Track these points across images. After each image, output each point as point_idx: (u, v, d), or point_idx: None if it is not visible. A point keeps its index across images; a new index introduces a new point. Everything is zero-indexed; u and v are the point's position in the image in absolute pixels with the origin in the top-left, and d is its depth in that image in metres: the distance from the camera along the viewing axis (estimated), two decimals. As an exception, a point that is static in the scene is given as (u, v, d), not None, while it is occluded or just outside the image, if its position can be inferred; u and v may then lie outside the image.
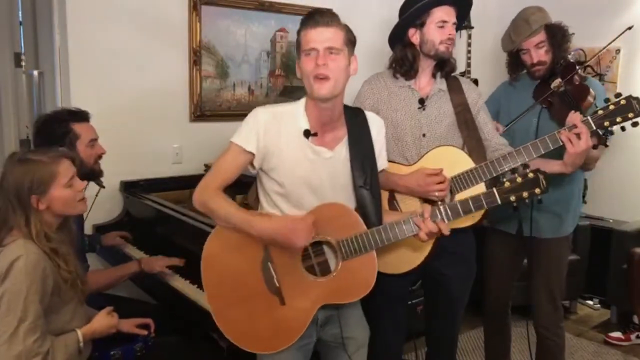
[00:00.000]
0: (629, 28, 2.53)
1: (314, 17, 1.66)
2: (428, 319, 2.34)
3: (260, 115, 1.71)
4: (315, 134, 1.71)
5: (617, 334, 3.50)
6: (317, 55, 1.64)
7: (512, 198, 1.71)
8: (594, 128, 1.93)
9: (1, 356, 1.59)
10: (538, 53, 2.33)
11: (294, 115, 1.73)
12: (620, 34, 2.50)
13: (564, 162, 2.02)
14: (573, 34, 2.39)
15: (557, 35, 2.32)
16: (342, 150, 1.76)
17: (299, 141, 1.71)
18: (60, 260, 1.71)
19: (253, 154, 1.70)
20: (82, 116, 2.27)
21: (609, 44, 2.59)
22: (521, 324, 3.41)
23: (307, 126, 1.71)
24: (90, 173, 2.26)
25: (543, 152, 1.99)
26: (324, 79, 1.64)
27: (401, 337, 2.28)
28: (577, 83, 2.28)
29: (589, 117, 1.94)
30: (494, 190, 1.72)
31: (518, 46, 2.38)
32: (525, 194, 1.70)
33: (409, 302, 2.61)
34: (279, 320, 1.71)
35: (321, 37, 1.64)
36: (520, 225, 2.45)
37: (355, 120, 1.79)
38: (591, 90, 2.26)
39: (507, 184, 1.71)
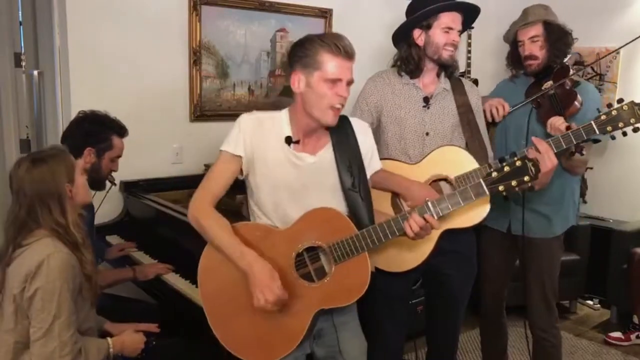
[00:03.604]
0: None
1: (345, 48, 1.64)
2: (428, 319, 2.34)
3: (247, 121, 1.74)
4: (297, 142, 1.73)
5: (617, 334, 3.50)
6: (342, 85, 1.65)
7: (501, 188, 1.67)
8: (597, 132, 1.93)
9: (36, 351, 1.63)
10: (531, 47, 2.35)
11: (278, 122, 1.75)
12: (631, 41, 2.50)
13: None
14: (576, 38, 2.39)
15: (554, 33, 2.34)
16: (326, 155, 1.76)
17: (281, 147, 1.73)
18: (86, 252, 1.75)
19: (241, 158, 1.72)
20: (124, 133, 2.37)
21: (622, 46, 2.58)
22: (519, 324, 3.41)
23: (289, 133, 1.73)
24: (99, 182, 2.32)
25: None
26: (339, 109, 1.68)
27: (402, 337, 2.28)
28: (567, 88, 2.28)
29: (592, 122, 1.93)
30: (482, 181, 1.69)
31: (513, 36, 2.42)
32: (514, 183, 1.66)
33: (409, 302, 2.61)
34: (277, 328, 1.71)
35: (348, 69, 1.67)
36: (510, 223, 2.46)
37: (339, 125, 1.77)
38: (579, 96, 2.26)
39: (494, 174, 1.68)
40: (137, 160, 3.04)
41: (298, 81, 1.68)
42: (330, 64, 1.63)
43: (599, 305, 3.99)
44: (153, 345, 2.03)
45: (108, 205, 2.93)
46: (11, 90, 3.42)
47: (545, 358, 2.56)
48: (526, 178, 1.65)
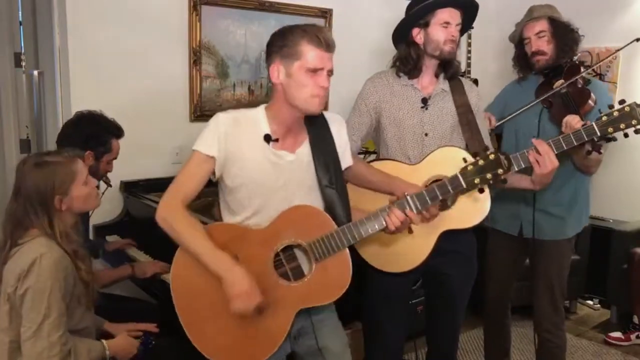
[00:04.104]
0: (638, 40, 2.56)
1: (326, 40, 1.63)
2: (428, 319, 2.34)
3: (221, 120, 1.67)
4: (276, 140, 1.68)
5: (617, 334, 3.50)
6: (323, 75, 1.63)
7: (477, 181, 1.75)
8: (599, 134, 1.93)
9: (26, 351, 1.63)
10: (538, 42, 2.35)
11: (255, 120, 1.70)
12: (627, 44, 2.54)
13: (532, 180, 2.02)
14: (583, 36, 2.39)
15: (560, 28, 2.34)
16: (303, 153, 1.73)
17: (260, 146, 1.68)
18: (80, 262, 1.74)
19: (215, 159, 1.65)
20: (121, 134, 2.38)
21: (616, 51, 2.61)
22: (522, 324, 3.41)
23: (268, 131, 1.68)
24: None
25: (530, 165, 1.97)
26: (324, 97, 1.66)
27: (401, 337, 2.28)
28: (579, 86, 2.28)
29: (593, 123, 1.93)
30: (458, 174, 1.76)
31: (520, 34, 2.41)
32: (488, 176, 1.74)
33: (409, 302, 2.61)
34: (258, 330, 1.67)
35: (329, 59, 1.65)
36: (522, 226, 2.46)
37: (314, 121, 1.76)
38: (592, 95, 2.26)
39: (470, 167, 1.75)
40: (137, 160, 3.04)
41: (277, 72, 1.65)
42: (311, 54, 1.61)
43: (599, 305, 3.98)
44: (152, 344, 2.03)
45: (108, 205, 2.94)
46: (11, 90, 3.42)
47: (549, 359, 2.55)
48: (500, 171, 1.74)
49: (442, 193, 1.75)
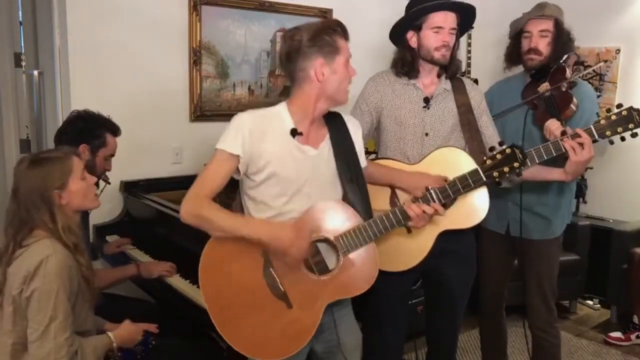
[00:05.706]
0: (605, 61, 2.59)
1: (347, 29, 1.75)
2: (428, 319, 2.34)
3: (244, 119, 1.70)
4: (301, 133, 1.73)
5: (617, 334, 3.50)
6: (350, 64, 1.76)
7: (495, 174, 1.84)
8: (596, 137, 1.93)
9: (33, 353, 1.64)
10: (539, 40, 2.32)
11: (278, 116, 1.73)
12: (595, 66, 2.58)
13: (565, 170, 2.02)
14: (578, 47, 2.40)
15: (563, 34, 2.33)
16: (325, 148, 1.79)
17: (285, 141, 1.71)
18: (81, 257, 1.75)
19: (239, 157, 1.67)
20: (117, 131, 2.39)
21: (601, 67, 2.61)
22: (519, 324, 3.41)
23: (293, 126, 1.72)
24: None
25: (546, 158, 1.98)
26: None
27: (401, 337, 2.28)
28: (563, 90, 2.27)
29: (591, 126, 1.94)
30: (478, 168, 1.85)
31: (524, 24, 2.37)
32: (506, 169, 1.82)
33: (409, 302, 2.61)
34: (289, 324, 1.70)
35: None
36: (509, 225, 2.46)
37: (333, 120, 1.83)
38: (574, 99, 2.25)
39: (488, 162, 1.84)
40: (137, 160, 3.05)
41: (322, 70, 1.69)
42: (346, 47, 1.73)
43: (599, 305, 3.98)
44: (152, 345, 2.03)
45: (108, 205, 2.94)
46: (11, 90, 3.43)
47: (544, 358, 2.55)
48: (515, 164, 1.82)
49: (464, 186, 1.84)
